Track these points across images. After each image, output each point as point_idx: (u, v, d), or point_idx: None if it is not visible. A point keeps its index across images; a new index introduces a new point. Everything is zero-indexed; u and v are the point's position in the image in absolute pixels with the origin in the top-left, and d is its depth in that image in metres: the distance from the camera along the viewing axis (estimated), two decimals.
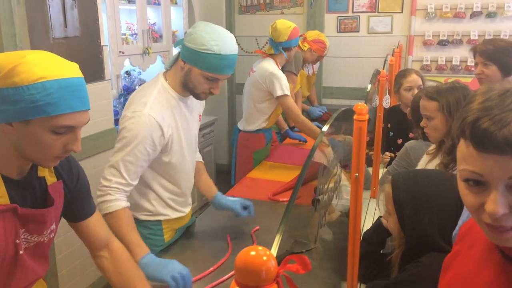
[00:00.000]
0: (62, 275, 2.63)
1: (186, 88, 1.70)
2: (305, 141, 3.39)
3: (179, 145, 1.75)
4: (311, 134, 2.91)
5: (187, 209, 1.93)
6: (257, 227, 2.00)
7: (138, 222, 1.74)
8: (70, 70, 1.06)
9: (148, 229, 1.80)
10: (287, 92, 2.83)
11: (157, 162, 1.72)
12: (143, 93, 1.68)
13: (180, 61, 1.66)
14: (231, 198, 2.02)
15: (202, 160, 2.09)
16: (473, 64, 2.58)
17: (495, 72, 2.29)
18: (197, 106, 1.88)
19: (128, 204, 1.62)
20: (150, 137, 1.60)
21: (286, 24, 2.89)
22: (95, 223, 1.37)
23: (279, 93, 2.81)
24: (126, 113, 1.63)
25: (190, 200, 1.96)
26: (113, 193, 1.58)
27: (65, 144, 1.08)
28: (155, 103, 1.64)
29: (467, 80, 4.01)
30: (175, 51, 4.09)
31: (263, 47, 4.83)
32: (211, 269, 1.68)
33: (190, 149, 1.84)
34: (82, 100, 1.07)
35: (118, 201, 1.58)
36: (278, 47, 2.90)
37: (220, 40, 1.59)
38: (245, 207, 1.99)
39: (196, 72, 1.63)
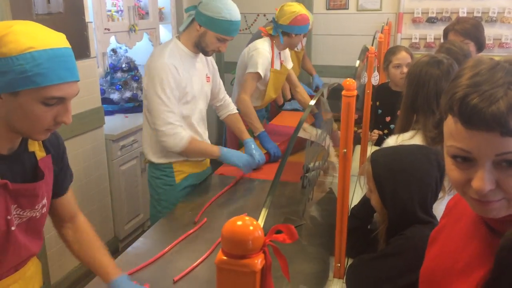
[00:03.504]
0: (51, 253, 2.63)
1: (198, 46, 2.08)
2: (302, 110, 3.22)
3: (191, 88, 2.08)
4: (245, 117, 2.66)
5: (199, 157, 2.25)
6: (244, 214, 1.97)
7: (152, 165, 2.17)
8: (58, 40, 1.05)
9: (161, 170, 2.16)
10: (258, 70, 2.70)
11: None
12: (160, 52, 2.05)
13: (196, 25, 2.03)
14: (251, 147, 2.37)
15: (236, 111, 2.50)
16: None
17: (473, 48, 2.42)
18: (204, 66, 2.22)
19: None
20: (175, 82, 2.00)
21: (294, 7, 2.74)
22: (69, 197, 1.37)
23: (250, 69, 2.72)
24: (151, 67, 2.00)
25: None
26: (179, 129, 2.03)
27: (56, 116, 1.07)
28: (170, 54, 2.03)
29: None
30: (162, 29, 4.03)
31: (251, 25, 4.77)
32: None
33: (203, 98, 2.20)
34: (71, 70, 1.06)
35: (184, 133, 2.06)
36: (277, 29, 2.78)
37: (231, 9, 2.01)
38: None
39: (210, 35, 2.03)
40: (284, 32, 2.77)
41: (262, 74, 2.72)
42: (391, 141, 1.67)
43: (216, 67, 2.33)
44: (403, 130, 1.71)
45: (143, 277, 1.52)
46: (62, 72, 1.03)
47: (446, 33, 2.53)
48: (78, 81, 1.10)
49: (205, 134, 2.27)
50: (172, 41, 2.09)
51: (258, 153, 2.35)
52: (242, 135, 2.42)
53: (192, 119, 2.15)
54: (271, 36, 2.83)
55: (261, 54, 2.73)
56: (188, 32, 2.08)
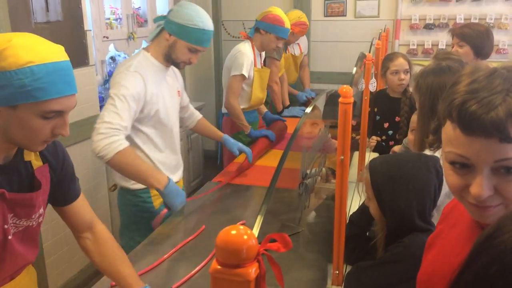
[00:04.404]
0: (50, 262, 2.62)
1: (168, 59, 1.93)
2: (284, 120, 3.26)
3: (163, 104, 1.94)
4: (236, 119, 2.88)
5: (175, 177, 2.07)
6: (243, 221, 1.94)
7: (128, 191, 1.96)
8: (57, 53, 1.05)
9: (138, 197, 1.97)
10: (243, 72, 2.80)
11: (145, 122, 1.91)
12: (126, 63, 1.89)
13: (165, 34, 1.89)
14: (232, 141, 2.39)
15: (201, 115, 2.40)
16: None
17: (468, 52, 2.54)
18: (175, 81, 2.10)
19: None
20: (135, 90, 1.79)
21: (275, 9, 2.92)
22: (80, 206, 1.36)
23: (234, 72, 2.82)
24: (114, 74, 1.85)
25: (179, 170, 2.15)
26: (118, 133, 1.74)
27: (53, 129, 1.08)
28: (138, 66, 1.85)
29: None
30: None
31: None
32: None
33: (174, 113, 2.06)
34: (70, 84, 1.07)
35: (124, 140, 1.75)
36: (254, 25, 2.94)
37: (204, 17, 1.89)
38: (241, 151, 2.39)
39: (181, 44, 1.88)
40: (256, 28, 2.92)
41: (246, 74, 2.82)
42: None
43: (182, 79, 2.22)
44: (424, 135, 1.65)
45: None
46: (61, 86, 1.03)
47: (451, 35, 2.70)
48: (76, 93, 1.10)
49: (179, 154, 2.16)
50: (140, 53, 1.93)
51: (243, 146, 2.42)
52: (217, 134, 2.44)
53: (174, 137, 2.07)
54: (250, 38, 2.97)
55: (244, 55, 2.83)
56: (157, 43, 1.93)
